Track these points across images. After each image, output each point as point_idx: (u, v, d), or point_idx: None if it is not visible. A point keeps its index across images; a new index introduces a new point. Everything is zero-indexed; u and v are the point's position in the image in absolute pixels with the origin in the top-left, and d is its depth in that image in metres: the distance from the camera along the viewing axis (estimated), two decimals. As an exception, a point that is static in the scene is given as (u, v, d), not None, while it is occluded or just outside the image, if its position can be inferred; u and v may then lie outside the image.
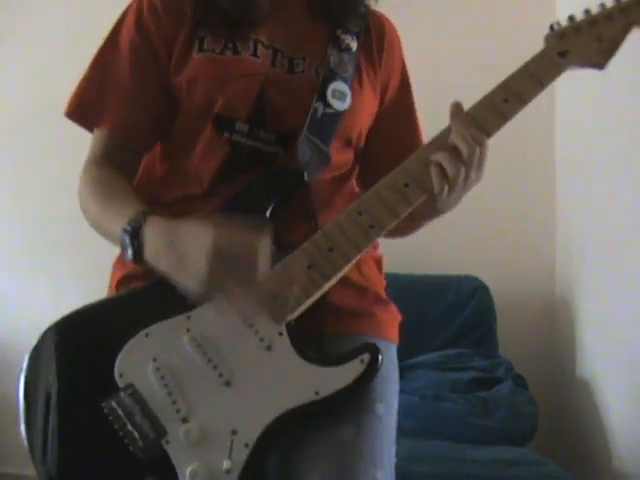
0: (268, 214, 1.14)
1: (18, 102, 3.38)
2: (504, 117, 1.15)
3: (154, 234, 1.08)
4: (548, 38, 1.20)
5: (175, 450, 1.07)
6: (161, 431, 1.08)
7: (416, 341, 2.80)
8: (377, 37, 1.32)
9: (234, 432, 1.07)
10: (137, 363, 1.10)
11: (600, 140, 2.65)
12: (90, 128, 1.26)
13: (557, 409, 2.94)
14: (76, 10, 3.31)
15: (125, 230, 1.10)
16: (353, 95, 1.23)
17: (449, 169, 1.10)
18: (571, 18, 1.19)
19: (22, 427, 1.13)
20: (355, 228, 1.11)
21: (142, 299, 1.17)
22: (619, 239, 2.46)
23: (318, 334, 1.13)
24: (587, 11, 1.18)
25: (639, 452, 2.30)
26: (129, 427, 1.08)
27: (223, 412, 1.08)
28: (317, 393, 1.06)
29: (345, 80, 1.22)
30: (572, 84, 3.00)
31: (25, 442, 1.13)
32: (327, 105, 1.20)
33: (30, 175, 3.40)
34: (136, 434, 1.08)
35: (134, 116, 1.22)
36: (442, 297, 2.95)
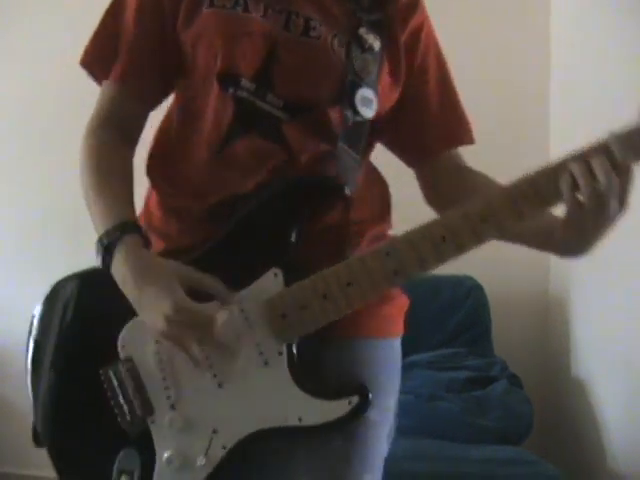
0: (293, 237, 1.11)
1: (11, 101, 3.38)
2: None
3: (123, 263, 1.10)
4: None
5: (158, 431, 1.12)
6: (149, 410, 1.12)
7: (411, 340, 2.77)
8: (402, 20, 1.25)
9: (215, 431, 1.10)
10: (140, 340, 1.13)
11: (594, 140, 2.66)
12: (98, 79, 1.26)
13: (552, 408, 2.94)
14: (74, 7, 3.30)
15: (101, 242, 1.12)
16: (377, 97, 1.19)
17: (583, 182, 1.01)
18: None
19: (28, 375, 1.19)
20: (379, 270, 1.07)
21: None
22: (613, 237, 2.46)
23: (322, 335, 1.12)
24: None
25: (633, 451, 2.31)
26: (120, 399, 1.12)
27: (209, 410, 1.11)
28: (300, 420, 1.08)
29: (370, 85, 1.18)
30: (567, 88, 3.00)
31: (29, 386, 1.19)
32: (356, 113, 1.16)
33: (26, 174, 3.39)
34: (125, 407, 1.12)
35: (140, 65, 1.22)
36: (437, 296, 2.95)
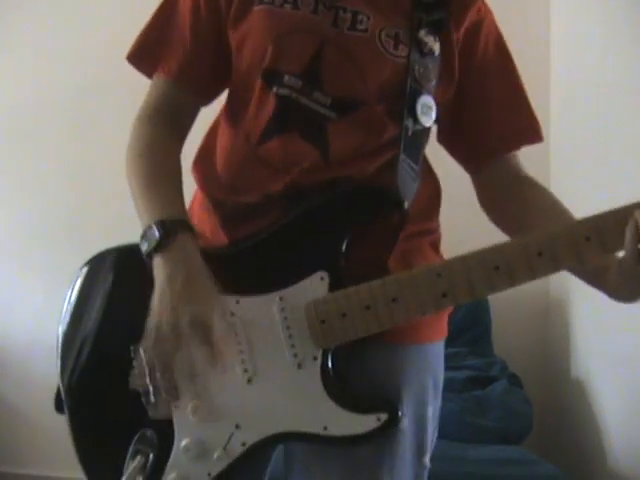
0: (344, 247, 1.08)
1: (13, 100, 3.37)
2: None
3: (178, 260, 1.07)
4: None
5: (180, 418, 1.11)
6: (174, 395, 1.11)
7: (411, 340, 2.80)
8: (458, 16, 1.19)
9: (237, 427, 1.09)
10: None
11: (594, 143, 2.66)
12: (148, 73, 1.26)
13: (551, 408, 2.95)
14: (74, 7, 3.30)
15: (159, 226, 1.08)
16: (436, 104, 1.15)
17: None
18: None
19: (59, 343, 1.17)
20: (428, 289, 1.04)
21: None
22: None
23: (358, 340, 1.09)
24: None
25: (633, 450, 2.31)
26: (147, 379, 1.11)
27: (235, 404, 1.09)
28: (325, 429, 1.06)
29: (430, 91, 1.14)
30: (567, 88, 3.00)
31: (58, 353, 1.17)
32: (417, 122, 1.13)
33: (24, 174, 3.39)
34: (151, 388, 1.11)
35: (195, 62, 1.21)
36: (437, 297, 2.94)
